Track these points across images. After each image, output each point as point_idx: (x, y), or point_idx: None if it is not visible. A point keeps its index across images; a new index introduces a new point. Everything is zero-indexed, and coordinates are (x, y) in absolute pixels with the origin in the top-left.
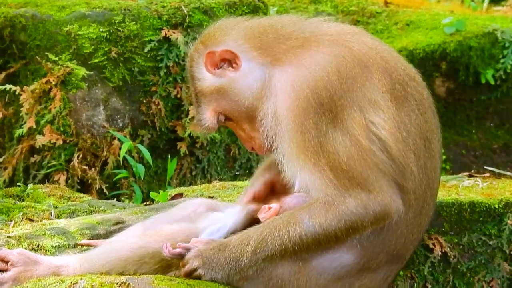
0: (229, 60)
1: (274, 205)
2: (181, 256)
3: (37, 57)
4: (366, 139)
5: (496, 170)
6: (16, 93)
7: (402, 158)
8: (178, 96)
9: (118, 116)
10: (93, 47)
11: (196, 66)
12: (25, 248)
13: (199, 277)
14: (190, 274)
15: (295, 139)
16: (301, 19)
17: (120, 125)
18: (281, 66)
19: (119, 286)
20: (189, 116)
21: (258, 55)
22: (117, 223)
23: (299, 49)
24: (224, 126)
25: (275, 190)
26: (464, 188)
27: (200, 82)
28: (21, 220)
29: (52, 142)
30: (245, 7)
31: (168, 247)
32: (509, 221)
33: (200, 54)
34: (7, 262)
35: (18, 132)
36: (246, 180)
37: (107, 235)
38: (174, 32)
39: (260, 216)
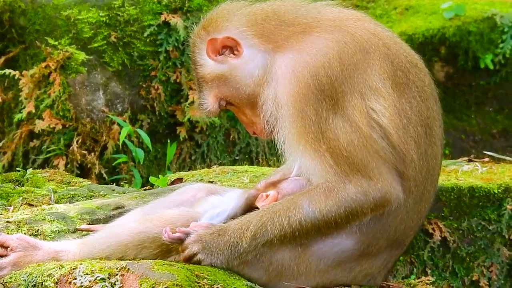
0: (230, 47)
1: (272, 192)
2: (180, 241)
3: (36, 41)
4: (367, 126)
5: (496, 155)
6: (16, 77)
7: (403, 145)
8: (178, 80)
9: (118, 101)
10: (92, 31)
11: (198, 52)
12: (25, 233)
13: (198, 262)
14: (189, 259)
15: (295, 125)
16: (303, 4)
17: (120, 109)
18: (282, 52)
19: (118, 271)
20: (189, 101)
21: (260, 42)
22: (116, 208)
23: (301, 35)
24: (225, 110)
25: None
26: (464, 173)
27: (202, 68)
28: (21, 205)
29: (51, 126)
30: None
31: (168, 232)
32: (508, 206)
33: (202, 40)
34: (6, 248)
35: (17, 116)
36: (245, 164)
37: (107, 220)
38: (173, 17)
39: (259, 204)
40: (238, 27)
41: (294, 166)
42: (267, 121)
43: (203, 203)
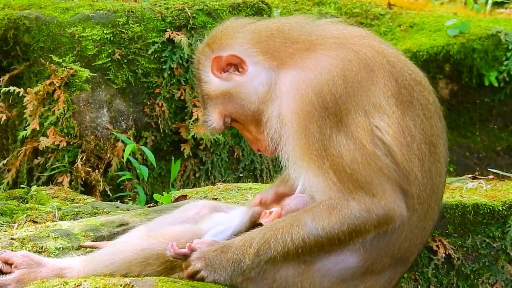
0: (235, 65)
1: (275, 209)
2: (185, 257)
3: (40, 59)
4: (370, 143)
5: (500, 172)
6: (20, 95)
7: (406, 162)
8: (182, 98)
9: (122, 118)
10: (96, 48)
11: (202, 69)
12: (29, 250)
13: (202, 279)
14: (193, 276)
15: (299, 142)
16: (308, 21)
17: (124, 127)
18: (286, 69)
19: None
20: (193, 118)
21: (264, 60)
22: (120, 225)
23: (305, 52)
24: (230, 127)
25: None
26: (468, 190)
27: (207, 85)
28: (25, 222)
29: (55, 144)
30: (248, 9)
31: (174, 247)
32: None
33: (206, 57)
34: (10, 264)
35: (21, 134)
36: (250, 181)
37: (111, 237)
38: (178, 34)
39: (263, 221)
40: (242, 44)
41: (299, 183)
42: (271, 138)
43: (207, 220)
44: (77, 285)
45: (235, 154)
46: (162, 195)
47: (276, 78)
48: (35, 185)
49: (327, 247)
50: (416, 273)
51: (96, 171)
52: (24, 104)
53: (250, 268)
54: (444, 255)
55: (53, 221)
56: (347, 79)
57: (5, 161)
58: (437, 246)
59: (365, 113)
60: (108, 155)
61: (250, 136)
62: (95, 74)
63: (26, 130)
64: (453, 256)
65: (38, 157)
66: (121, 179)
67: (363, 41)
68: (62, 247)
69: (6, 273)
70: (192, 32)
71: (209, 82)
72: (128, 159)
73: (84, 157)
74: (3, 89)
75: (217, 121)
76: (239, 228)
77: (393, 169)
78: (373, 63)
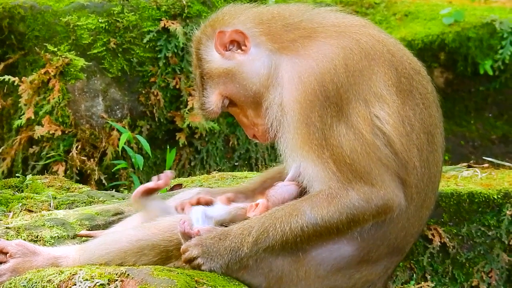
0: (238, 43)
1: (260, 201)
2: (190, 238)
3: (35, 47)
4: (370, 133)
5: (495, 161)
6: (15, 84)
7: (405, 152)
8: (177, 86)
9: (117, 107)
10: (92, 37)
11: (204, 49)
12: (24, 239)
13: (198, 266)
14: (189, 262)
15: (299, 131)
16: (308, 8)
17: (119, 115)
18: (288, 56)
19: (118, 277)
20: (188, 107)
21: (266, 41)
22: (116, 214)
23: (307, 40)
24: (226, 113)
25: None
26: (463, 179)
27: (208, 64)
28: (20, 211)
29: (51, 133)
30: None
31: (186, 225)
32: (508, 212)
33: (208, 36)
34: (5, 254)
35: (16, 123)
36: (245, 170)
37: (106, 225)
38: (173, 23)
39: (250, 214)
40: (245, 23)
41: (289, 171)
42: (271, 125)
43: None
44: (73, 274)
45: (230, 143)
46: None
47: (277, 62)
48: (30, 174)
49: (325, 236)
50: (412, 261)
51: (91, 160)
52: (19, 93)
53: (247, 257)
54: (439, 243)
55: (49, 210)
56: (349, 68)
57: (0, 150)
58: (432, 234)
59: (365, 103)
60: (103, 144)
61: (247, 121)
62: (90, 63)
63: (21, 119)
64: (448, 245)
65: (33, 146)
66: (116, 168)
67: (363, 30)
68: (58, 236)
69: (1, 262)
70: (187, 21)
71: (211, 61)
72: (123, 148)
73: (79, 146)
74: None
75: (216, 103)
76: (226, 216)
77: (392, 159)
78: (374, 52)
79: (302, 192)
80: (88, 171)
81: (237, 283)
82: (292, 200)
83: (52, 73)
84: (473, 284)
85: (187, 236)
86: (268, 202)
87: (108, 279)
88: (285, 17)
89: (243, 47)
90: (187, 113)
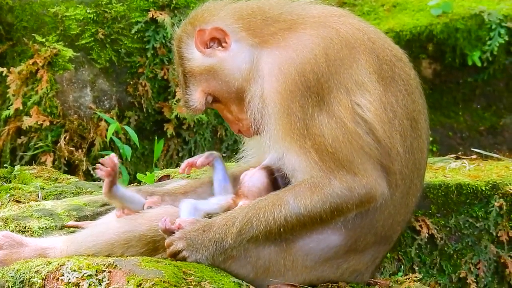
0: (218, 40)
1: (241, 202)
2: (172, 234)
3: (24, 38)
4: (352, 122)
5: (483, 152)
6: (3, 74)
7: (388, 139)
8: (165, 77)
9: (105, 98)
10: (80, 28)
11: (185, 47)
12: (12, 230)
13: (184, 259)
14: (174, 256)
15: (281, 122)
16: (288, 1)
17: (107, 106)
18: (268, 48)
19: (106, 268)
20: (176, 98)
21: (247, 36)
22: (104, 205)
23: (287, 32)
24: (211, 108)
25: None
26: (451, 170)
27: (190, 62)
28: (8, 202)
29: (39, 123)
30: None
31: (167, 222)
32: (496, 203)
33: (188, 34)
34: None
35: (4, 113)
36: (233, 162)
37: (94, 216)
38: (161, 14)
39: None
40: (225, 20)
41: (266, 158)
42: (253, 118)
43: (184, 201)
44: (60, 265)
45: (218, 133)
46: (145, 174)
47: (258, 56)
48: (18, 165)
49: (309, 226)
50: (399, 253)
51: (80, 150)
52: (7, 84)
53: (232, 247)
54: (427, 235)
55: (37, 201)
56: (329, 57)
57: None
58: (420, 226)
59: (347, 91)
60: (91, 134)
61: (231, 116)
62: (78, 54)
63: (9, 109)
64: (436, 236)
65: (22, 137)
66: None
67: (343, 19)
68: (46, 226)
69: None
70: (175, 11)
71: (192, 59)
72: (111, 138)
73: (68, 137)
74: None
75: (199, 100)
76: (215, 207)
77: (375, 147)
78: (354, 40)
79: (272, 174)
80: (76, 161)
81: (224, 274)
82: (267, 184)
83: (40, 64)
84: (461, 276)
85: (170, 233)
86: (248, 198)
87: (96, 270)
88: (265, 11)
89: (223, 44)
90: (175, 103)
